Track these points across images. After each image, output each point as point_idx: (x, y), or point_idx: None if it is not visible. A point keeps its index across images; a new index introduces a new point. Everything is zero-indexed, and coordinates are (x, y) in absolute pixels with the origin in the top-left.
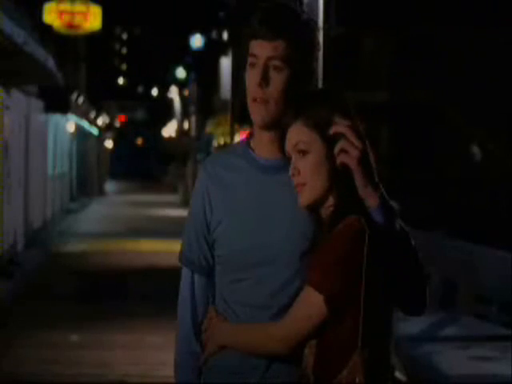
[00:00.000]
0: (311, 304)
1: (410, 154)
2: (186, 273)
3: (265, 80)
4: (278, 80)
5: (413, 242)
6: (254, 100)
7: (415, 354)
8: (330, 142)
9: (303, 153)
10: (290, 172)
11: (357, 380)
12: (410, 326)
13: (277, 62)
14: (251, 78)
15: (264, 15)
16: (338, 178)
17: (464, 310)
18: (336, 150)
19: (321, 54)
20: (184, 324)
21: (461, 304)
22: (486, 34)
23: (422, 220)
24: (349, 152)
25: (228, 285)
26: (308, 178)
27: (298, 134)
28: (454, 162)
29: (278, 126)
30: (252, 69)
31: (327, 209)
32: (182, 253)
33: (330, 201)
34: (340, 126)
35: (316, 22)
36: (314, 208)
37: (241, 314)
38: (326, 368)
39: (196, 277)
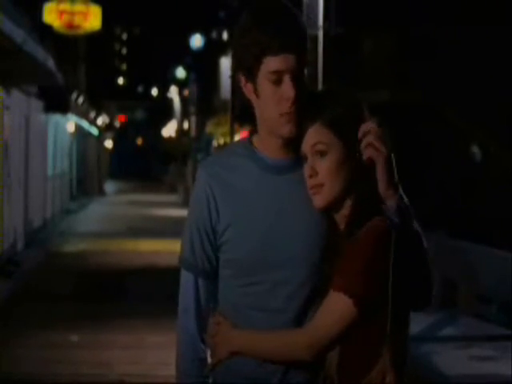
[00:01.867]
0: (340, 308)
1: (409, 153)
2: (187, 277)
3: (298, 95)
4: (304, 90)
5: (424, 240)
6: (286, 114)
7: (415, 354)
8: (349, 142)
9: (322, 153)
10: (306, 173)
11: (387, 379)
12: (410, 326)
13: (301, 73)
14: (277, 94)
15: (276, 29)
16: (357, 179)
17: (464, 310)
18: (364, 144)
19: (321, 53)
20: (188, 329)
21: (461, 304)
22: (487, 34)
23: (422, 220)
24: (378, 148)
25: (239, 289)
26: (326, 178)
27: (317, 134)
28: (454, 161)
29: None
30: (277, 85)
31: (345, 209)
32: (182, 256)
33: (348, 202)
34: (367, 125)
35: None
36: (329, 209)
37: (256, 318)
38: (353, 369)
39: (200, 280)
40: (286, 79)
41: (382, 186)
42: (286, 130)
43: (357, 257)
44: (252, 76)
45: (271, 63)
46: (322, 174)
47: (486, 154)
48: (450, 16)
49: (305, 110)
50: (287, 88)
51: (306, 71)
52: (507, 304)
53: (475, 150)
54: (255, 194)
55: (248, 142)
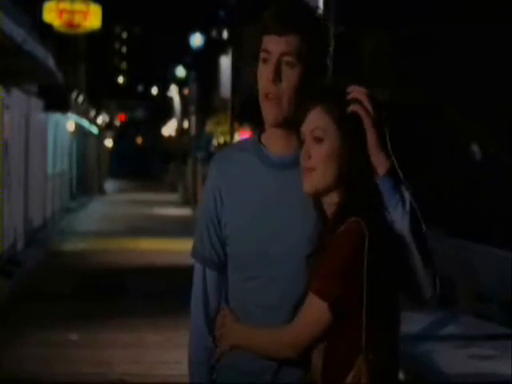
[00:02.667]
0: (316, 311)
1: (409, 153)
2: (198, 268)
3: (278, 76)
4: (290, 76)
5: (420, 217)
6: (267, 96)
7: (415, 353)
8: (345, 133)
9: (318, 140)
10: (302, 155)
11: (362, 381)
12: (409, 324)
13: (290, 58)
14: (263, 73)
15: (277, 10)
16: (348, 173)
17: (464, 309)
18: (350, 97)
19: None
20: (197, 319)
21: (461, 303)
22: (486, 33)
23: (422, 219)
24: (366, 107)
25: (240, 283)
26: (318, 164)
27: (318, 119)
28: (454, 161)
29: (290, 124)
30: (264, 64)
31: (331, 206)
32: (194, 248)
33: (335, 197)
34: (357, 93)
35: (328, 19)
36: (317, 198)
37: (254, 314)
38: (334, 372)
39: (208, 272)
40: (271, 59)
41: (372, 149)
42: (269, 114)
43: (331, 260)
44: (257, 60)
45: (265, 41)
46: (315, 158)
47: (485, 153)
48: (450, 14)
49: (307, 96)
50: (268, 68)
51: (316, 65)
52: (507, 303)
53: (475, 149)
54: (256, 189)
55: (257, 138)
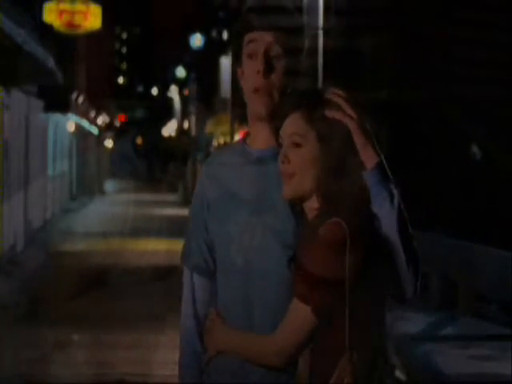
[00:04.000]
0: (300, 315)
1: (409, 153)
2: (186, 273)
3: (268, 68)
4: (279, 68)
5: (406, 216)
6: (256, 90)
7: (415, 354)
8: (324, 141)
9: (297, 145)
10: (280, 158)
11: (345, 381)
12: (409, 325)
13: (277, 49)
14: (251, 68)
15: (258, 10)
16: (326, 179)
17: (464, 310)
18: (333, 115)
19: (321, 54)
20: (186, 324)
21: (460, 303)
22: (487, 34)
23: (422, 220)
24: (347, 111)
25: (226, 285)
26: (297, 169)
27: (295, 125)
28: (454, 161)
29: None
30: (250, 60)
31: (312, 211)
32: (183, 253)
33: (315, 203)
34: (336, 98)
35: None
36: (297, 204)
37: (240, 319)
38: (319, 374)
39: (196, 277)
40: (259, 51)
41: (360, 148)
42: (260, 107)
43: (312, 263)
44: (240, 59)
45: (249, 37)
46: (294, 163)
47: (485, 153)
48: (450, 15)
49: (285, 95)
50: (256, 62)
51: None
52: (507, 303)
53: (475, 149)
54: (238, 189)
55: (244, 140)
